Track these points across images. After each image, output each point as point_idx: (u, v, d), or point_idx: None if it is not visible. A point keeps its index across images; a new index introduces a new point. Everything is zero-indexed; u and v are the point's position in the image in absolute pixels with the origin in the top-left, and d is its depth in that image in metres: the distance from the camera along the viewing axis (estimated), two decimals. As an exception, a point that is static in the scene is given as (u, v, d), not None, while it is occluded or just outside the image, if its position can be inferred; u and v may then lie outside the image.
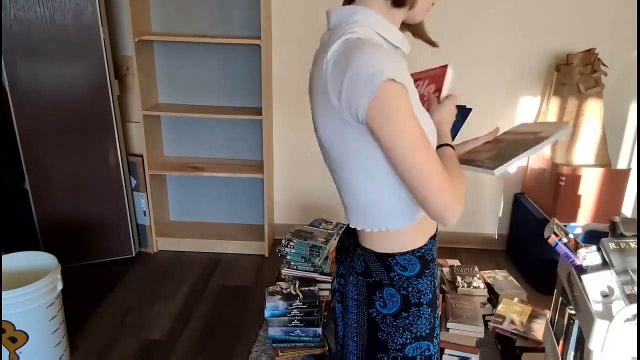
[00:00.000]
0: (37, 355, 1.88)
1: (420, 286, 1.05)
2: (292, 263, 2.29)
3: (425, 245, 1.06)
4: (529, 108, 2.88)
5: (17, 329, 1.80)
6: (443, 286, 2.45)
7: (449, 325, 2.06)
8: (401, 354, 1.07)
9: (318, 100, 0.99)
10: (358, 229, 1.07)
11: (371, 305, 1.06)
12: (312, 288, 2.16)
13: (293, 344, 2.10)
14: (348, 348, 1.14)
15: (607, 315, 1.27)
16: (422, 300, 1.05)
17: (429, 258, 1.07)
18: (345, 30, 0.94)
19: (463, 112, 1.19)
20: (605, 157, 2.70)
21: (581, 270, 1.44)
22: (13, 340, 1.80)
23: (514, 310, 2.19)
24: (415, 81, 1.08)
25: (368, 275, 1.05)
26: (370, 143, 0.94)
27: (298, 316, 2.08)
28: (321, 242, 2.28)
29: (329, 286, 2.28)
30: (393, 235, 1.04)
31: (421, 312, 1.06)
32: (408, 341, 1.06)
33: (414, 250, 1.04)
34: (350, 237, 1.14)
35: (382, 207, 1.03)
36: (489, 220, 3.13)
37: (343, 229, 1.22)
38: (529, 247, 2.77)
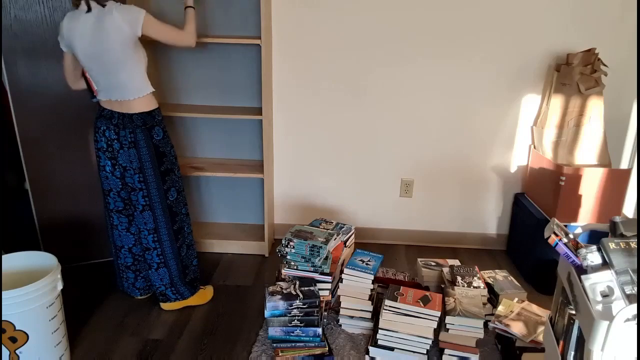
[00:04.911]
0: (37, 355, 1.88)
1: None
2: (292, 263, 2.29)
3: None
4: (530, 108, 2.88)
5: (17, 329, 1.80)
6: (443, 286, 2.44)
7: (448, 325, 2.06)
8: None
9: None
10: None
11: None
12: (312, 288, 2.17)
13: (293, 344, 2.11)
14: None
15: (607, 315, 1.27)
16: None
17: None
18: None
19: None
20: (605, 157, 2.70)
21: (581, 270, 1.44)
22: (13, 340, 1.81)
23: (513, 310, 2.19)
24: None
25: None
26: None
27: (298, 316, 2.08)
28: (321, 242, 2.28)
29: (329, 286, 2.28)
30: None
31: None
32: None
33: None
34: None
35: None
36: (489, 220, 3.12)
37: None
38: (529, 247, 2.77)
